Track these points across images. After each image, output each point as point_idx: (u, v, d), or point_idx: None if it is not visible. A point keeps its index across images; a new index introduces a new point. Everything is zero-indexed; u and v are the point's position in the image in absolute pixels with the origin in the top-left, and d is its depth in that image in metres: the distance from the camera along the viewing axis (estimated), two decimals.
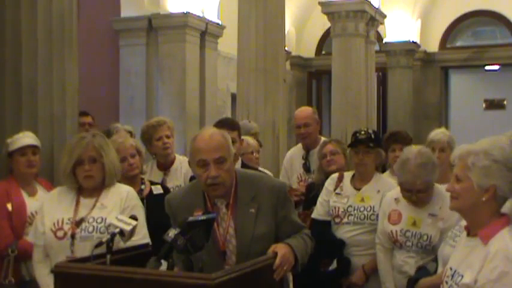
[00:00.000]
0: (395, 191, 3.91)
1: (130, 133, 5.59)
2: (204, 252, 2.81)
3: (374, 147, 4.19)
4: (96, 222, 3.31)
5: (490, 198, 2.39)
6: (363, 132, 4.23)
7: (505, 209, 2.46)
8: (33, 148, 4.02)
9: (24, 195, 3.98)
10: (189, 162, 3.05)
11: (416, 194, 3.68)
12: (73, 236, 3.28)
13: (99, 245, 2.83)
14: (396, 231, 3.77)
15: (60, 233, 3.32)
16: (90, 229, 3.30)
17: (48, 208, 3.41)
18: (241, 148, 4.79)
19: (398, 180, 3.78)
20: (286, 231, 3.01)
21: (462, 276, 2.39)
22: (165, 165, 4.85)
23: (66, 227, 3.32)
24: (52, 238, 3.33)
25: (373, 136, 4.22)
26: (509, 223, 2.42)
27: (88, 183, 3.39)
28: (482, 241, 2.39)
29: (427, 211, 3.73)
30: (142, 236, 3.34)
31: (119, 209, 3.33)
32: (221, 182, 2.88)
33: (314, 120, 5.41)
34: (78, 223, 3.32)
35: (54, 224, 3.34)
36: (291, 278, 3.48)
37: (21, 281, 3.85)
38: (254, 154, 5.13)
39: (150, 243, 3.31)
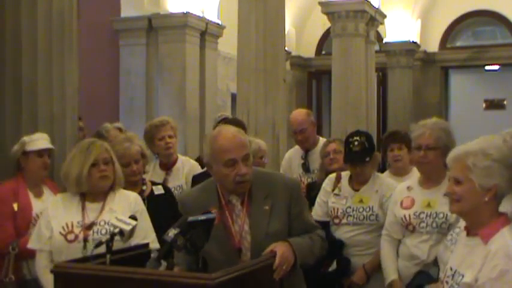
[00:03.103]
0: (407, 182, 3.89)
1: (120, 129, 5.59)
2: (218, 249, 2.85)
3: (369, 160, 4.12)
4: (108, 225, 3.30)
5: (491, 198, 2.40)
6: (356, 143, 4.12)
7: (503, 208, 2.47)
8: (49, 150, 4.08)
9: (31, 196, 4.00)
10: (207, 163, 3.01)
11: (425, 151, 3.58)
12: (85, 239, 3.28)
13: (98, 245, 2.83)
14: (409, 214, 3.67)
15: (70, 236, 3.31)
16: (103, 231, 3.29)
17: (53, 213, 3.39)
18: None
19: (412, 136, 3.74)
20: (297, 229, 3.01)
21: (463, 276, 2.39)
22: (167, 165, 4.85)
23: (77, 230, 3.31)
24: (62, 241, 3.31)
25: (367, 145, 4.13)
26: (509, 222, 2.43)
27: (104, 183, 3.40)
28: (483, 240, 2.39)
29: (440, 191, 3.51)
30: (152, 240, 3.36)
31: (128, 213, 3.31)
32: (249, 178, 2.93)
33: (309, 123, 5.39)
34: (89, 226, 3.32)
35: (63, 228, 3.33)
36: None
37: (22, 280, 3.85)
38: (263, 159, 5.12)
39: (158, 246, 3.30)
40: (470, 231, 2.49)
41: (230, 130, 2.99)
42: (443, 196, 3.50)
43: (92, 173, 3.38)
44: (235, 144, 2.89)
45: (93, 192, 3.42)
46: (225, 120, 5.19)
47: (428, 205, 3.64)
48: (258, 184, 3.00)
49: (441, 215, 3.58)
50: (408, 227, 3.70)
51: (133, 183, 4.02)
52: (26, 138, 4.05)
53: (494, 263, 2.30)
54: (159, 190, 4.17)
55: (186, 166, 4.90)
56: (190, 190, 3.60)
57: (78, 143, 3.61)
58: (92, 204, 3.41)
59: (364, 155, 4.11)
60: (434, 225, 3.61)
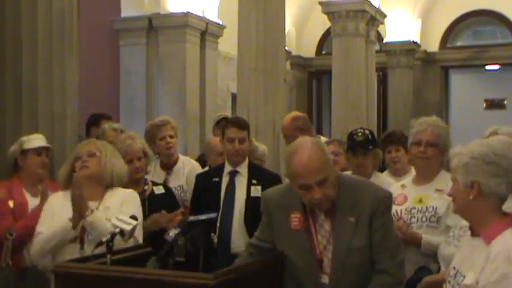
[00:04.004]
0: (403, 180, 3.90)
1: (121, 131, 5.57)
2: (298, 256, 2.78)
3: (372, 149, 4.18)
4: None
5: (477, 196, 2.37)
6: (360, 134, 4.20)
7: (509, 208, 2.44)
8: (47, 150, 4.07)
9: (27, 194, 3.98)
10: (287, 176, 2.90)
11: (426, 146, 3.59)
12: (81, 240, 3.28)
13: (99, 244, 2.84)
14: (401, 210, 3.66)
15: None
16: None
17: (56, 208, 3.41)
18: (252, 149, 4.79)
19: (411, 133, 3.73)
20: (376, 245, 2.82)
21: (464, 277, 2.37)
22: (168, 165, 4.85)
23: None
24: None
25: (370, 137, 4.21)
26: None
27: (83, 172, 3.38)
28: (485, 241, 2.37)
29: (433, 187, 3.60)
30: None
31: (119, 204, 3.34)
32: (325, 200, 2.77)
33: (294, 129, 5.13)
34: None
35: None
36: None
37: (23, 267, 3.78)
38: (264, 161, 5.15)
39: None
40: (473, 231, 2.47)
41: (306, 151, 2.73)
42: (435, 191, 3.55)
43: (76, 166, 3.42)
44: (309, 170, 2.70)
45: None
46: (226, 120, 5.16)
47: (420, 201, 3.65)
48: (345, 194, 2.83)
49: (431, 209, 3.58)
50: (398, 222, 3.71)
51: (135, 181, 4.01)
52: (24, 138, 4.05)
53: (495, 266, 2.26)
54: (159, 190, 4.18)
55: (187, 166, 4.90)
56: (274, 188, 3.23)
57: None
58: (89, 203, 3.39)
59: (367, 144, 4.15)
60: (423, 219, 3.61)
